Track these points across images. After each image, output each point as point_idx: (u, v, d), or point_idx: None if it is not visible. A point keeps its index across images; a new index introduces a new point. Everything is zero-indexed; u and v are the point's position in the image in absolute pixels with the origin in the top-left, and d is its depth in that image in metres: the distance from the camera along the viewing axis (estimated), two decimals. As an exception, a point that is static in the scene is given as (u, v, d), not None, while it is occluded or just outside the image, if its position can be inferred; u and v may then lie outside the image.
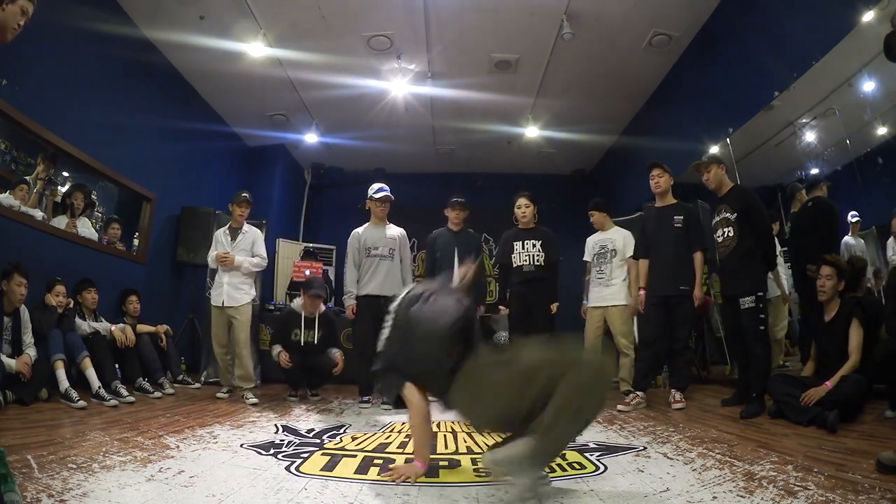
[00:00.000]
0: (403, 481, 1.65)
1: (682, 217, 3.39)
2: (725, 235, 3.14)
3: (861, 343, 2.55)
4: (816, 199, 3.58)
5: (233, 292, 3.72)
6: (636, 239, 3.68)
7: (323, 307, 4.07)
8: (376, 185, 3.83)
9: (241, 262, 3.77)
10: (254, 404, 3.42)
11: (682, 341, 3.33)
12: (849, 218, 3.95)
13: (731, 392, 3.29)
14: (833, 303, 2.80)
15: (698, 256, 3.33)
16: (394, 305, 1.89)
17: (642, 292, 3.49)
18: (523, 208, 3.84)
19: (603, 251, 3.99)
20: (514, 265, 3.81)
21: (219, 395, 3.70)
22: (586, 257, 4.15)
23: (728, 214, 3.13)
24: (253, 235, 3.90)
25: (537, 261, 3.75)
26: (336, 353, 3.95)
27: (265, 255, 3.92)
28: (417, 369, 1.72)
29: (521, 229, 3.88)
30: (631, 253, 3.85)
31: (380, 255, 3.70)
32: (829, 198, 3.60)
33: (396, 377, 1.76)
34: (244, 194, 3.88)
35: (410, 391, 1.72)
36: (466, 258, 3.85)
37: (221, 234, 3.89)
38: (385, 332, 1.86)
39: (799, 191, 4.02)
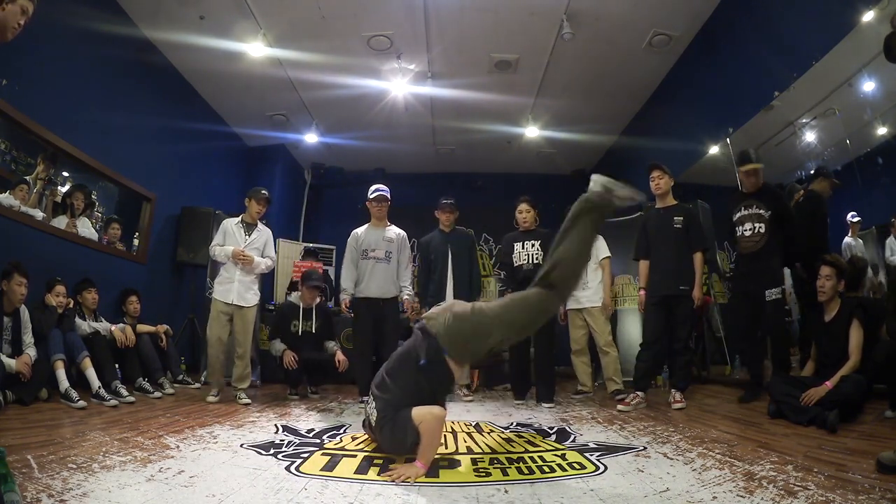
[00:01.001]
0: (403, 481, 1.65)
1: (682, 218, 3.41)
2: (756, 231, 3.19)
3: (861, 343, 2.55)
4: (808, 192, 3.60)
5: (244, 291, 3.63)
6: (637, 239, 3.71)
7: (318, 299, 4.13)
8: (374, 186, 3.83)
9: (258, 264, 3.67)
10: (246, 404, 3.40)
11: (682, 341, 3.33)
12: (848, 218, 3.95)
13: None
14: (833, 303, 2.80)
15: (698, 257, 3.34)
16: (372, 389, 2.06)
17: (642, 292, 3.51)
18: (524, 213, 3.92)
19: None
20: (515, 264, 3.87)
21: (210, 398, 3.47)
22: None
23: (761, 211, 3.19)
24: (266, 235, 3.81)
25: (536, 259, 3.82)
26: (333, 347, 4.00)
27: (274, 256, 3.89)
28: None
29: (521, 231, 3.96)
30: (604, 256, 3.97)
31: (376, 257, 3.69)
32: (831, 193, 3.60)
33: (400, 416, 1.85)
34: (264, 192, 3.77)
35: (418, 411, 1.82)
36: (460, 258, 3.89)
37: (233, 227, 3.71)
38: (373, 406, 1.99)
39: (798, 191, 4.02)
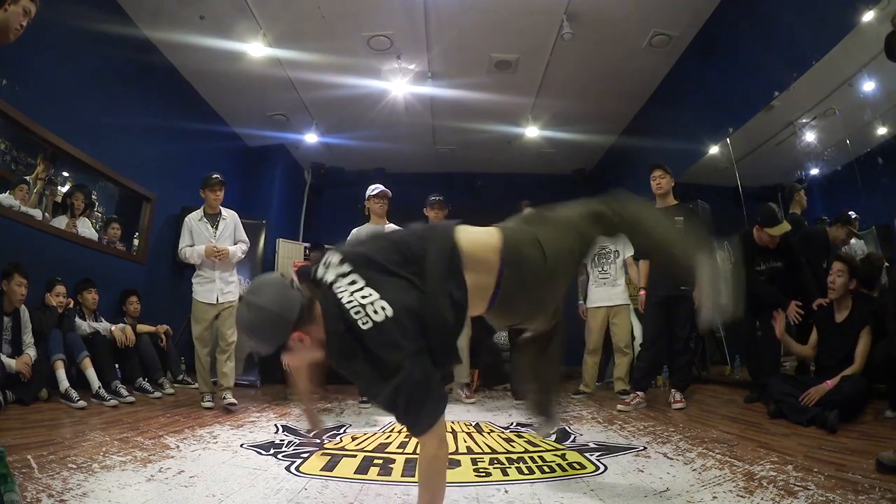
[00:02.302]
0: None
1: (683, 218, 3.41)
2: (774, 278, 3.24)
3: (868, 351, 2.53)
4: (819, 233, 3.54)
5: (225, 287, 3.47)
6: None
7: None
8: (373, 185, 3.86)
9: (233, 253, 3.49)
10: (231, 404, 3.22)
11: (682, 341, 3.33)
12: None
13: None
14: (845, 302, 2.74)
15: None
16: None
17: (642, 292, 3.51)
18: None
19: (605, 251, 4.06)
20: None
21: (204, 404, 3.28)
22: None
23: (780, 264, 3.23)
24: (234, 220, 3.60)
25: None
26: None
27: (247, 239, 3.70)
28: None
29: None
30: (631, 253, 3.93)
31: None
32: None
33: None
34: (216, 175, 3.55)
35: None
36: None
37: (196, 223, 3.48)
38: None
39: (797, 191, 4.02)
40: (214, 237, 3.49)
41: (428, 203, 4.01)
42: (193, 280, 3.52)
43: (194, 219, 3.52)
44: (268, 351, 1.24)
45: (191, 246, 3.45)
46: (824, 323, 2.84)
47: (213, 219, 3.54)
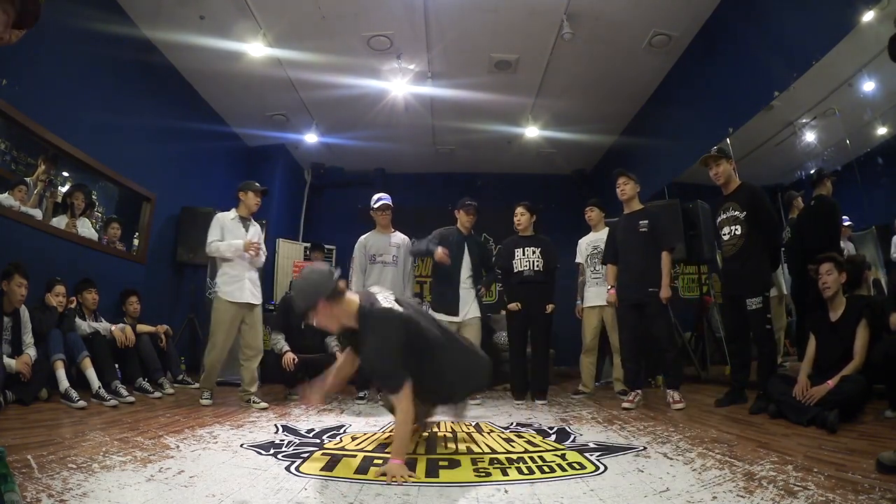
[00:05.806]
0: (402, 482, 1.65)
1: (647, 221, 3.42)
2: (733, 234, 3.09)
3: (867, 344, 2.53)
4: (819, 197, 3.55)
5: (254, 290, 3.51)
6: (605, 245, 3.74)
7: None
8: (376, 196, 3.87)
9: (264, 256, 3.61)
10: (264, 409, 3.25)
11: (663, 340, 3.32)
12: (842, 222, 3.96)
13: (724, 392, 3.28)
14: (839, 301, 2.75)
15: (665, 256, 3.33)
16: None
17: (612, 290, 3.55)
18: (519, 216, 3.98)
19: (597, 251, 4.05)
20: (515, 270, 3.91)
21: (204, 401, 3.34)
22: (579, 259, 4.20)
23: (737, 213, 3.08)
24: (258, 229, 3.70)
25: (536, 266, 3.86)
26: (334, 346, 4.02)
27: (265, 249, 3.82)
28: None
29: (521, 236, 3.99)
30: None
31: (384, 262, 3.74)
32: (834, 192, 3.57)
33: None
34: (258, 183, 3.63)
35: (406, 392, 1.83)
36: (475, 265, 3.85)
37: (229, 221, 3.53)
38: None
39: (795, 198, 4.02)
40: (246, 237, 3.51)
41: (462, 205, 3.89)
42: (219, 280, 3.48)
43: (227, 217, 3.55)
44: (300, 308, 1.93)
45: (220, 241, 3.44)
46: (820, 324, 2.85)
47: (245, 222, 3.58)
